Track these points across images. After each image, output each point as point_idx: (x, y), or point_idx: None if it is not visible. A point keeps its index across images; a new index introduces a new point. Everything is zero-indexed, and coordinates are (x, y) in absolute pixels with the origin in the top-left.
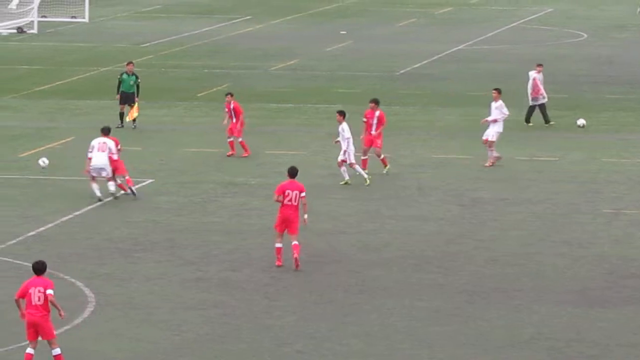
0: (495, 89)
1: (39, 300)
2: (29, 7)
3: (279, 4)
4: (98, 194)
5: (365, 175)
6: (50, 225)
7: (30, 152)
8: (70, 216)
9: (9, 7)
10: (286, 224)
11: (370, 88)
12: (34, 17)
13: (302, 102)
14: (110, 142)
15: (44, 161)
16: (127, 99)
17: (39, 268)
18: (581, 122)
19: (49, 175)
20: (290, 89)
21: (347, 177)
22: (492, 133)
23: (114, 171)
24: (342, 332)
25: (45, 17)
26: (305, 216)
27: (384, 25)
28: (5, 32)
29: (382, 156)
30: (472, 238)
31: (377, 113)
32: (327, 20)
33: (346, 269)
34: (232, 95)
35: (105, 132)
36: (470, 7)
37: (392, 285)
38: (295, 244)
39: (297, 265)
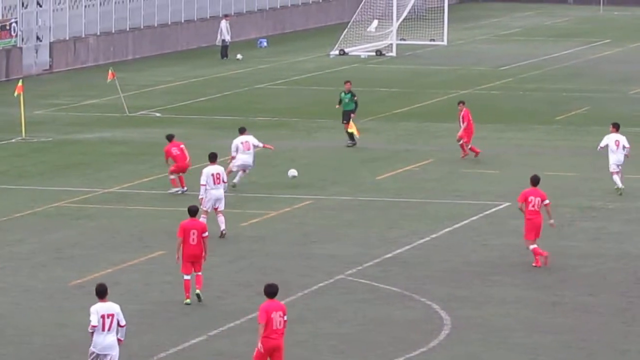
0: None
1: (279, 324)
2: (388, 30)
3: (638, 27)
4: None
5: (620, 185)
6: (407, 247)
7: (388, 174)
8: (427, 238)
9: (368, 30)
10: (535, 230)
11: None
12: (393, 40)
13: None
14: (251, 138)
15: (293, 174)
16: (347, 117)
17: (274, 292)
18: None
19: (406, 198)
20: None
21: (619, 185)
22: None
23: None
24: None
25: (404, 40)
26: (551, 221)
27: None
28: (364, 54)
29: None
30: None
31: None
32: None
33: None
34: (463, 104)
35: (242, 131)
36: None
37: None
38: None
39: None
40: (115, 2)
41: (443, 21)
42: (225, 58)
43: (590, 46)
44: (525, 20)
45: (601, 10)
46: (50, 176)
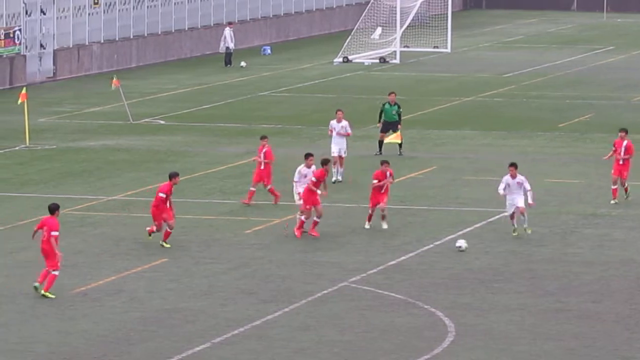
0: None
1: None
2: (392, 38)
3: None
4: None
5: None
6: (411, 254)
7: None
8: (431, 246)
9: (372, 37)
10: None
11: None
12: (397, 47)
13: None
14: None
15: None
16: (389, 128)
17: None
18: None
19: (409, 205)
20: None
21: None
22: None
23: None
24: None
25: (407, 47)
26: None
27: None
28: (367, 62)
29: (626, 185)
30: None
31: (625, 143)
32: None
33: None
34: (266, 139)
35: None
36: None
37: None
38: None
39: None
40: (119, 10)
41: (446, 28)
42: (229, 65)
43: (594, 53)
44: (528, 27)
45: (605, 17)
46: (54, 184)
